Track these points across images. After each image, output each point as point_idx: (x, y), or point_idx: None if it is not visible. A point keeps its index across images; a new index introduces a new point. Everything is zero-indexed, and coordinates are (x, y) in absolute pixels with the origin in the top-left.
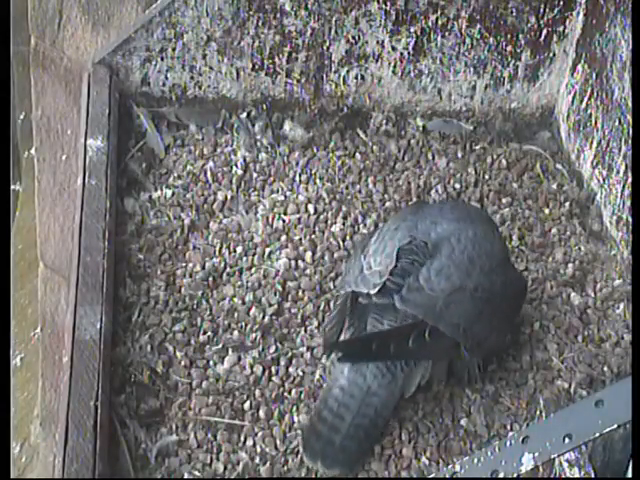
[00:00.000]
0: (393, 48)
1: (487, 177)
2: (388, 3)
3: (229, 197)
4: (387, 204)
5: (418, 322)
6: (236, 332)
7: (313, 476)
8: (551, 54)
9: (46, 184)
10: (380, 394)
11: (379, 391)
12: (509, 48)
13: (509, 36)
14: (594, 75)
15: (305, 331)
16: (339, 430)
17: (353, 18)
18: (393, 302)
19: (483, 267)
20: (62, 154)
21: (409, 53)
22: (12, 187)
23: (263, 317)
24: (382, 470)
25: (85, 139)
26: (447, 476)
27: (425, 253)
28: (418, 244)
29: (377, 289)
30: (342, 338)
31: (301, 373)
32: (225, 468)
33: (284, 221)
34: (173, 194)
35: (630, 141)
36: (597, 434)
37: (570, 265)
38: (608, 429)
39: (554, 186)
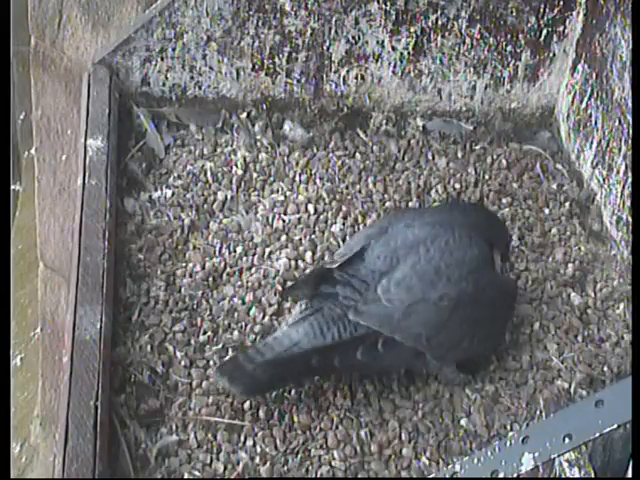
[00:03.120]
0: (393, 48)
1: (487, 177)
2: (388, 3)
3: (229, 197)
4: (387, 204)
5: (369, 334)
6: (236, 332)
7: (313, 476)
8: (551, 54)
9: (46, 184)
10: (307, 350)
11: (307, 348)
12: (509, 48)
13: (509, 36)
14: (594, 75)
15: None
16: (254, 360)
17: (353, 18)
18: (335, 292)
19: (451, 276)
20: (62, 154)
21: (409, 53)
22: (12, 187)
23: (263, 317)
24: (382, 470)
25: (85, 139)
26: (447, 476)
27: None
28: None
29: (337, 265)
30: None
31: None
32: (225, 468)
33: (284, 221)
34: (173, 194)
35: (630, 141)
36: (597, 434)
37: (570, 265)
38: (608, 429)
39: (554, 186)
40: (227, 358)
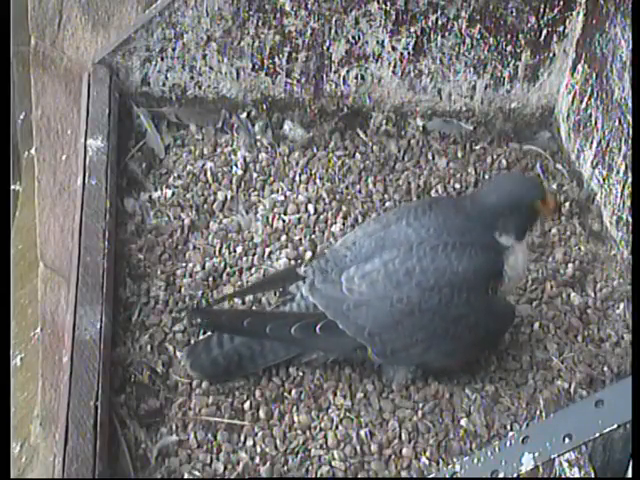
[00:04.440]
0: (393, 48)
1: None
2: (388, 3)
3: (229, 197)
4: (387, 204)
5: (316, 313)
6: None
7: (313, 476)
8: (551, 54)
9: (46, 184)
10: (275, 342)
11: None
12: (509, 48)
13: (509, 36)
14: (594, 75)
15: None
16: (222, 346)
17: (353, 18)
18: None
19: (421, 283)
20: (62, 154)
21: (409, 53)
22: (12, 187)
23: None
24: (382, 470)
25: (85, 139)
26: (447, 476)
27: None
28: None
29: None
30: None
31: (301, 373)
32: (225, 468)
33: (284, 221)
34: (173, 194)
35: (630, 141)
36: (597, 434)
37: (570, 265)
38: (608, 429)
39: (554, 186)
40: (202, 337)
